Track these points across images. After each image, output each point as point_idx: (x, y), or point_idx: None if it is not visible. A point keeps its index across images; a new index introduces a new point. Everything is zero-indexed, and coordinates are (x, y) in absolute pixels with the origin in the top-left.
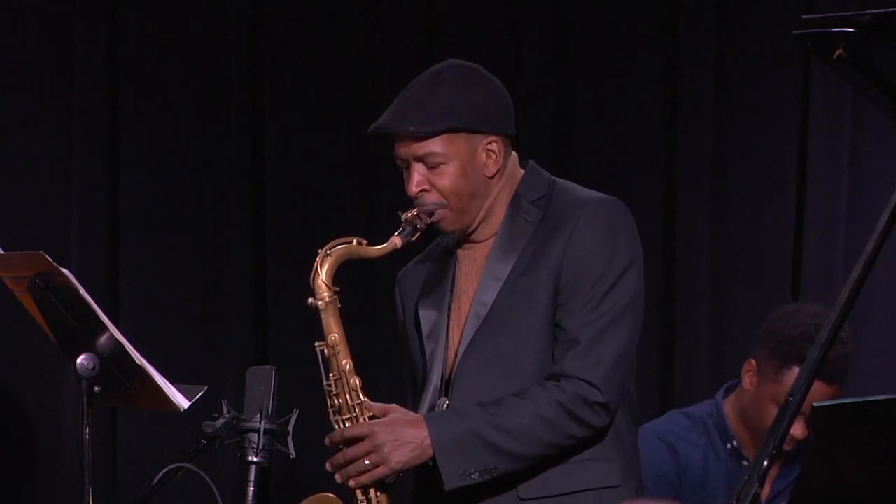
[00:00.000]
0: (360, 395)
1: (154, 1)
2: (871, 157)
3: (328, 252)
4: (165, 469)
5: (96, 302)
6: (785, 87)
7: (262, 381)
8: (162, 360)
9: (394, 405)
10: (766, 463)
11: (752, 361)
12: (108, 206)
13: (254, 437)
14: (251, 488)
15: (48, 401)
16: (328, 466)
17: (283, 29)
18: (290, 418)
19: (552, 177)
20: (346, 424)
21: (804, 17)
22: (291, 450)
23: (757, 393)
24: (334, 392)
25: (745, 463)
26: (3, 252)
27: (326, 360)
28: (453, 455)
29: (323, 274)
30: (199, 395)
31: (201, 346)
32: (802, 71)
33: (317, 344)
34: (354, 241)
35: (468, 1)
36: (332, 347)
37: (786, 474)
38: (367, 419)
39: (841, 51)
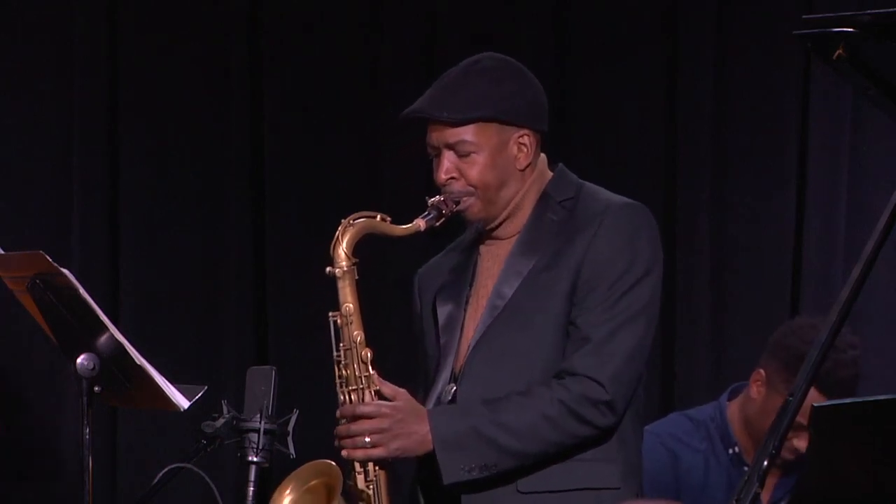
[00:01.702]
0: (370, 367)
1: (154, 0)
2: (871, 157)
3: (351, 223)
4: (165, 469)
5: (96, 302)
6: (785, 87)
7: (262, 381)
8: (162, 360)
9: (403, 391)
10: (765, 463)
11: (762, 372)
12: (108, 206)
13: (254, 437)
14: (251, 488)
15: (48, 401)
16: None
17: (283, 29)
18: (290, 418)
19: (580, 180)
20: (352, 396)
21: (804, 17)
22: (291, 450)
23: (765, 405)
24: (343, 362)
25: (747, 469)
26: (3, 252)
27: (339, 330)
28: (454, 450)
29: (344, 243)
30: (199, 395)
31: (201, 346)
32: (802, 71)
33: (331, 314)
34: (378, 216)
35: (468, 1)
36: (346, 317)
37: (785, 483)
38: (373, 393)
39: (841, 51)
